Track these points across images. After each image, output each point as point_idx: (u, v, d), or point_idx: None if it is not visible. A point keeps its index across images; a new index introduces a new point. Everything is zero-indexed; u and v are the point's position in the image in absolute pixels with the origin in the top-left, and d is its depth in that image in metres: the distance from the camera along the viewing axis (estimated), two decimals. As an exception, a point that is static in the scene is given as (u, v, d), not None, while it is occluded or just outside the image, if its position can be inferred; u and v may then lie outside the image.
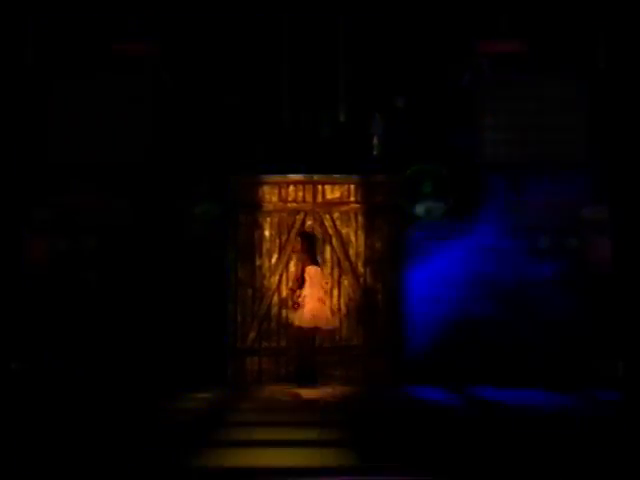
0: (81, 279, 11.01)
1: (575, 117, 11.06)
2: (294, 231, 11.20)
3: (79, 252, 11.03)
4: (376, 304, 11.22)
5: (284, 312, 11.14)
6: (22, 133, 11.00)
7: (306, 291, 10.35)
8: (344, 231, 11.34)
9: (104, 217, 11.04)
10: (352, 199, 11.38)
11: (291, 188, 11.36)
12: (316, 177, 11.35)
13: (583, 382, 10.58)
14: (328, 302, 10.67)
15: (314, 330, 10.36)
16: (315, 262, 10.51)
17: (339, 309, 11.23)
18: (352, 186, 11.37)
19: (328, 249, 11.29)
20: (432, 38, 11.05)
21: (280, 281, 11.26)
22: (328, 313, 10.45)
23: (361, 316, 11.24)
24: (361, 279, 11.28)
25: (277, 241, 11.27)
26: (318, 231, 11.26)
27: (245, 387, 10.76)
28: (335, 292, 11.26)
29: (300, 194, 11.37)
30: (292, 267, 11.11)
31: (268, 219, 11.34)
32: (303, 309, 10.30)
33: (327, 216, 11.35)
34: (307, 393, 9.95)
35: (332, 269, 11.27)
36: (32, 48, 10.92)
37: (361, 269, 11.30)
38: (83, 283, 11.01)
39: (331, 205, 11.37)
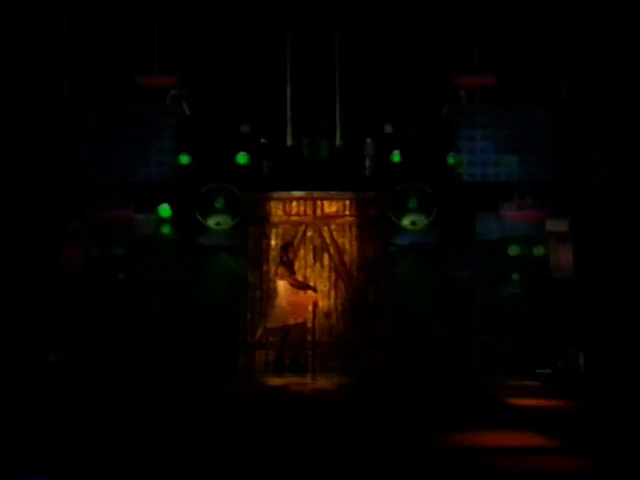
0: (111, 283, 12.11)
1: (541, 141, 12.05)
2: (296, 240, 12.29)
3: (110, 259, 12.11)
4: (368, 304, 12.33)
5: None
6: (59, 155, 12.11)
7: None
8: (340, 240, 12.44)
9: (131, 229, 12.14)
10: (347, 213, 12.50)
11: (294, 203, 12.49)
12: (316, 194, 12.49)
13: (549, 371, 11.65)
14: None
15: (285, 327, 11.56)
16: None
17: (336, 308, 12.37)
18: (347, 201, 12.50)
19: (326, 256, 12.43)
20: (416, 73, 12.04)
21: (284, 284, 12.24)
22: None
23: (355, 314, 12.35)
24: (355, 282, 12.40)
25: (282, 249, 12.19)
26: (317, 241, 12.42)
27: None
28: (332, 293, 12.38)
29: (302, 208, 12.50)
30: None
31: (274, 230, 12.46)
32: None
33: (325, 227, 12.47)
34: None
35: (329, 273, 12.41)
36: (68, 82, 12.01)
37: (355, 273, 12.42)
38: (113, 287, 12.11)
39: (329, 218, 12.49)
